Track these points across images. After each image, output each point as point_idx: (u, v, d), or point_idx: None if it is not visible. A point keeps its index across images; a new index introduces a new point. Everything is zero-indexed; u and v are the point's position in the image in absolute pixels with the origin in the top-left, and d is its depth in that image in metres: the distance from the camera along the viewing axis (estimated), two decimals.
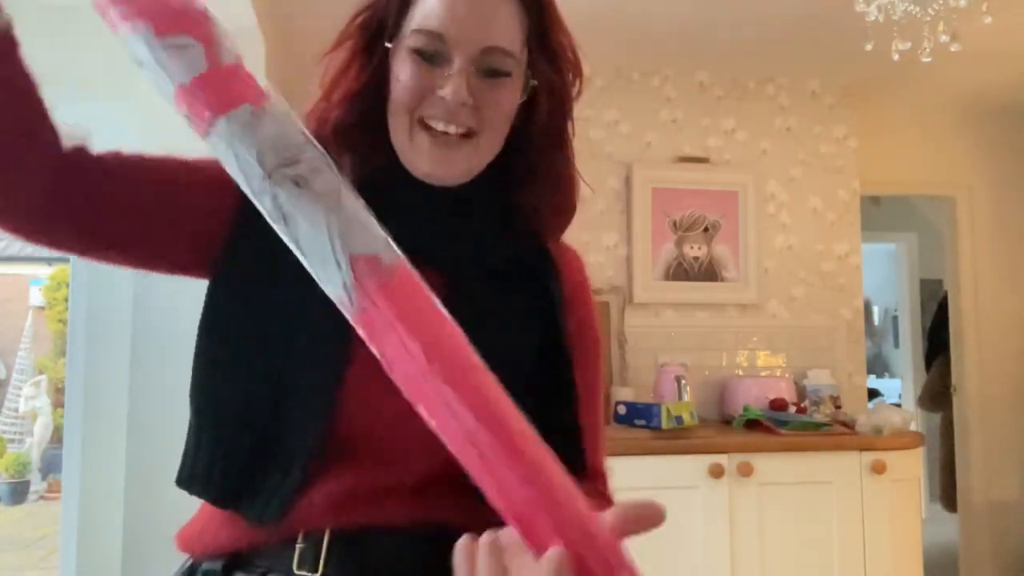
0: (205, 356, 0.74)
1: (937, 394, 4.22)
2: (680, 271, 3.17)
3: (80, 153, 0.73)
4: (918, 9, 2.04)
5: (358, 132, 0.79)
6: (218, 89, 0.56)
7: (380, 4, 0.78)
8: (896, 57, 2.15)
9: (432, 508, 0.72)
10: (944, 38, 2.04)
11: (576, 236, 3.22)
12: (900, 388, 5.83)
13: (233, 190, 0.59)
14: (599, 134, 3.20)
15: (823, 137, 3.36)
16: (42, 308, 7.84)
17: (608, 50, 3.08)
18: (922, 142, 3.70)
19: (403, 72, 0.75)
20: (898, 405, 4.97)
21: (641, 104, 3.23)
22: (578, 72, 0.85)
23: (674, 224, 3.18)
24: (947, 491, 4.05)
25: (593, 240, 3.14)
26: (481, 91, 0.74)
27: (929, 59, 2.11)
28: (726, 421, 2.96)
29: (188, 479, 0.73)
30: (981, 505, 3.65)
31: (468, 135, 0.75)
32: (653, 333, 3.14)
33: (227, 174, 0.57)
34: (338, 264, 0.53)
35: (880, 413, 2.71)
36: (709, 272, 3.19)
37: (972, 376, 3.70)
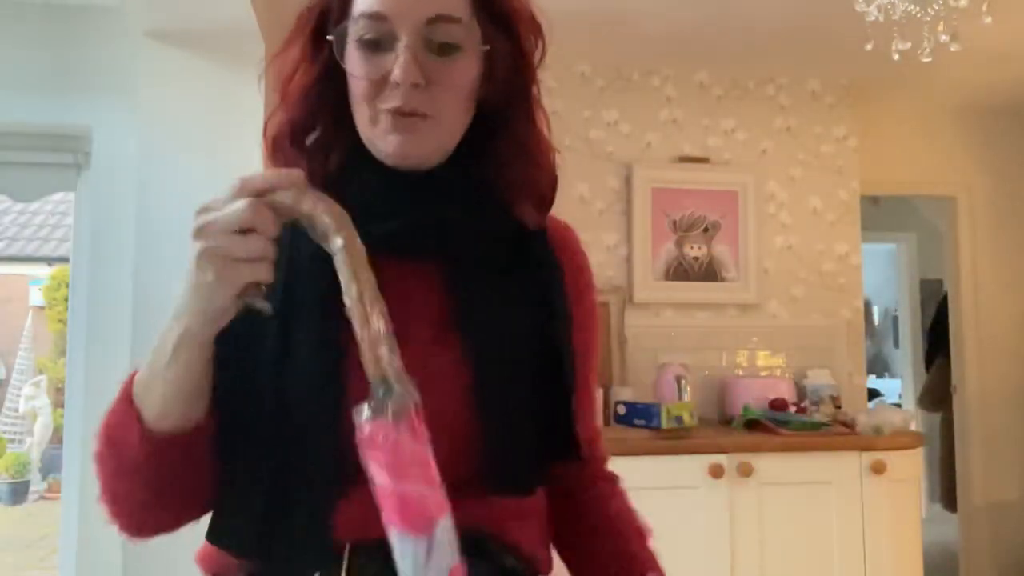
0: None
1: (937, 394, 4.22)
2: (680, 271, 3.17)
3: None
4: (918, 9, 2.04)
5: (320, 127, 0.78)
6: None
7: None
8: (896, 57, 2.15)
9: (461, 518, 0.69)
10: (944, 38, 2.04)
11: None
12: (900, 388, 5.83)
13: None
14: (599, 134, 3.20)
15: (823, 137, 3.36)
16: (42, 308, 7.84)
17: (608, 50, 3.08)
18: (922, 142, 3.70)
19: (355, 66, 0.73)
20: (898, 405, 4.98)
21: (641, 104, 3.23)
22: (538, 34, 0.80)
23: (674, 224, 3.18)
24: (947, 491, 4.05)
25: (593, 240, 3.14)
26: (434, 70, 0.72)
27: (929, 59, 2.11)
28: (726, 421, 2.96)
29: (217, 536, 0.72)
30: (981, 505, 3.65)
31: (428, 116, 0.73)
32: (653, 333, 3.14)
33: None
34: None
35: (880, 413, 2.71)
36: (709, 272, 3.19)
37: (972, 376, 3.70)
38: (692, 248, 3.19)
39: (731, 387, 3.02)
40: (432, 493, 0.56)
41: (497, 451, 0.72)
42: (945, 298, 4.02)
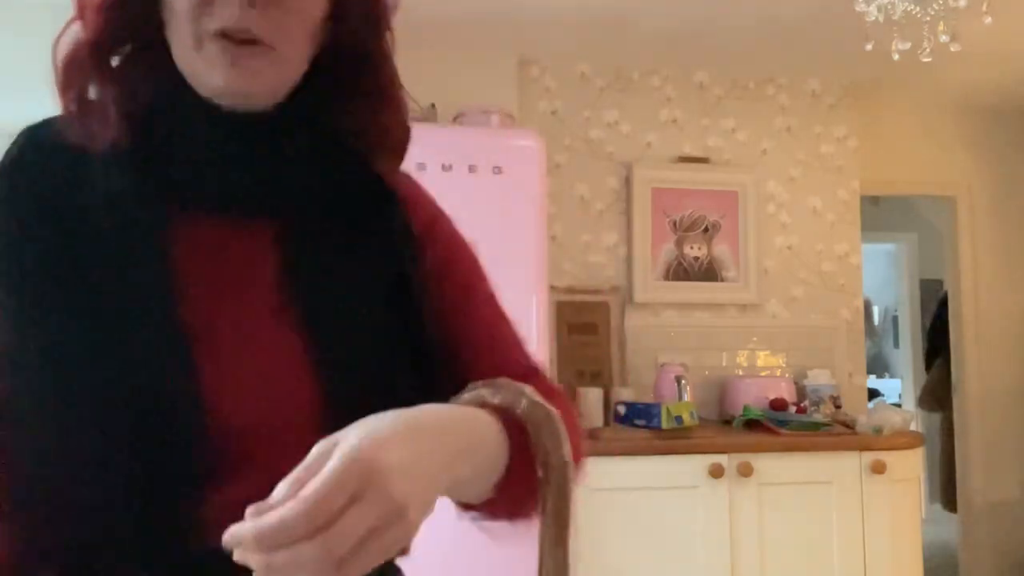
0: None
1: (937, 394, 4.22)
2: (680, 271, 3.17)
3: None
4: (918, 9, 2.04)
5: (129, 47, 0.64)
6: None
7: None
8: (896, 57, 2.15)
9: None
10: (944, 38, 2.03)
11: (576, 236, 3.24)
12: (900, 388, 5.83)
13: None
14: (599, 134, 3.20)
15: (823, 137, 3.36)
16: None
17: (608, 50, 3.08)
18: (922, 142, 3.69)
19: None
20: (898, 405, 4.97)
21: (641, 104, 3.23)
22: None
23: (674, 224, 3.18)
24: (947, 491, 4.05)
25: (593, 240, 3.14)
26: None
27: (929, 59, 2.11)
28: (726, 421, 2.96)
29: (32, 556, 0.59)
30: (981, 505, 3.65)
31: (265, 45, 0.61)
32: (653, 333, 3.14)
33: None
34: None
35: (880, 413, 2.71)
36: (709, 272, 3.19)
37: (972, 376, 3.70)
38: (692, 248, 3.19)
39: (731, 387, 3.02)
40: None
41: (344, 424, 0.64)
42: (945, 298, 4.02)
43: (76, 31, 0.62)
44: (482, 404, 0.60)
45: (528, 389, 0.61)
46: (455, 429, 0.55)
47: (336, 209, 0.68)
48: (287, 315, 0.64)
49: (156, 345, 0.58)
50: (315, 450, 0.46)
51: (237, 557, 0.43)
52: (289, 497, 0.43)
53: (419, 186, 0.78)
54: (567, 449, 0.59)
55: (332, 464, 0.44)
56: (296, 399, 0.61)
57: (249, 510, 0.43)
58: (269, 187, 0.65)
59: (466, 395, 0.62)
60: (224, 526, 0.53)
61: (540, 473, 0.59)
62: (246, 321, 0.60)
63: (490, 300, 0.78)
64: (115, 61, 0.63)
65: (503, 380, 0.63)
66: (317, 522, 0.42)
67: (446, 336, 0.72)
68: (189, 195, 0.61)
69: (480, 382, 0.63)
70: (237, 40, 0.59)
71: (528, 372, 0.74)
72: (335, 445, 0.46)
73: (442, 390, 0.70)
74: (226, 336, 0.61)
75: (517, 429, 0.60)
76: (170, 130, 0.62)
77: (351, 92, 0.69)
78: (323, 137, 0.68)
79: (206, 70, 0.61)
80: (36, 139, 0.65)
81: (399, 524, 0.45)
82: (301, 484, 0.44)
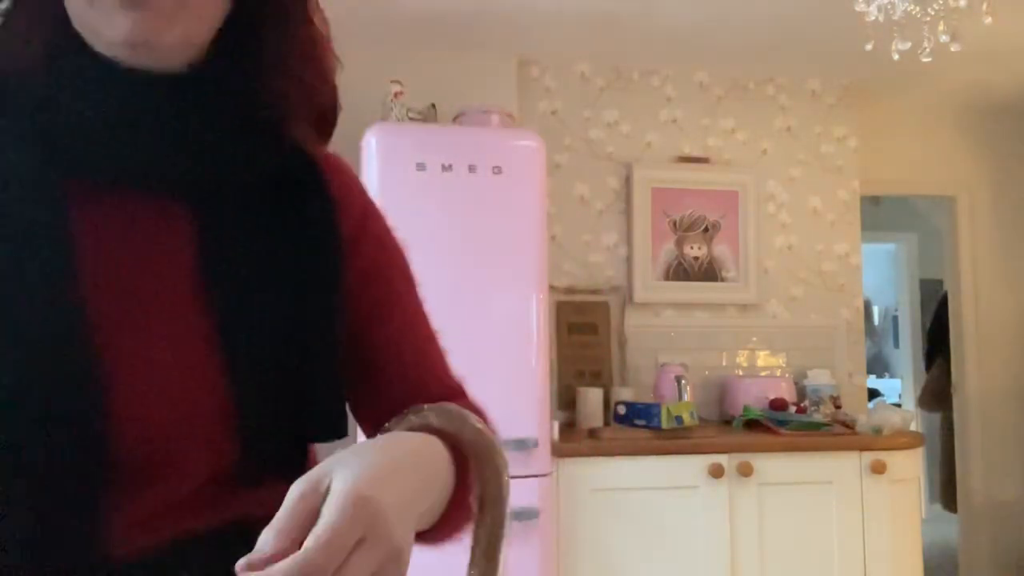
0: None
1: (937, 394, 4.22)
2: (680, 271, 3.17)
3: None
4: (918, 9, 2.04)
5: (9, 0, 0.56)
6: None
7: None
8: (896, 57, 2.15)
9: (233, 506, 0.59)
10: (944, 38, 2.03)
11: (576, 236, 3.24)
12: (900, 388, 5.83)
13: None
14: (599, 134, 3.20)
15: (823, 137, 3.36)
16: None
17: (608, 50, 3.08)
18: (922, 142, 3.70)
19: None
20: (898, 405, 4.97)
21: (641, 104, 3.23)
22: None
23: (674, 224, 3.18)
24: (947, 491, 4.05)
25: (593, 240, 3.14)
26: None
27: (929, 59, 2.11)
28: (726, 421, 2.96)
29: None
30: (981, 505, 3.65)
31: None
32: (653, 333, 3.14)
33: None
34: None
35: (880, 413, 2.71)
36: (709, 272, 3.19)
37: (972, 376, 3.70)
38: (692, 248, 3.19)
39: (731, 387, 3.02)
40: None
41: (254, 437, 0.58)
42: (945, 298, 4.02)
43: None
44: (428, 429, 0.58)
45: (472, 417, 0.60)
46: (422, 464, 0.53)
47: (256, 188, 0.61)
48: (200, 305, 0.57)
49: (51, 333, 0.51)
50: (295, 493, 0.43)
51: None
52: (278, 546, 0.40)
53: (351, 175, 0.71)
54: (505, 480, 0.59)
55: (338, 506, 0.42)
56: (206, 401, 0.56)
57: (240, 564, 0.40)
58: (179, 158, 0.56)
59: (413, 417, 0.60)
60: (129, 538, 0.52)
61: (475, 509, 0.58)
62: (155, 309, 0.54)
63: (416, 311, 0.72)
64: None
65: (449, 406, 0.61)
66: (333, 567, 0.40)
67: (366, 345, 0.67)
68: (85, 165, 0.54)
69: (426, 405, 0.61)
70: None
71: (452, 391, 0.71)
72: (319, 485, 0.43)
73: (361, 400, 0.68)
74: (131, 324, 0.55)
75: (462, 459, 0.59)
76: (64, 90, 0.54)
77: (271, 47, 0.60)
78: (240, 103, 0.59)
79: (102, 21, 0.52)
80: None
81: (395, 566, 0.44)
82: (288, 533, 0.41)
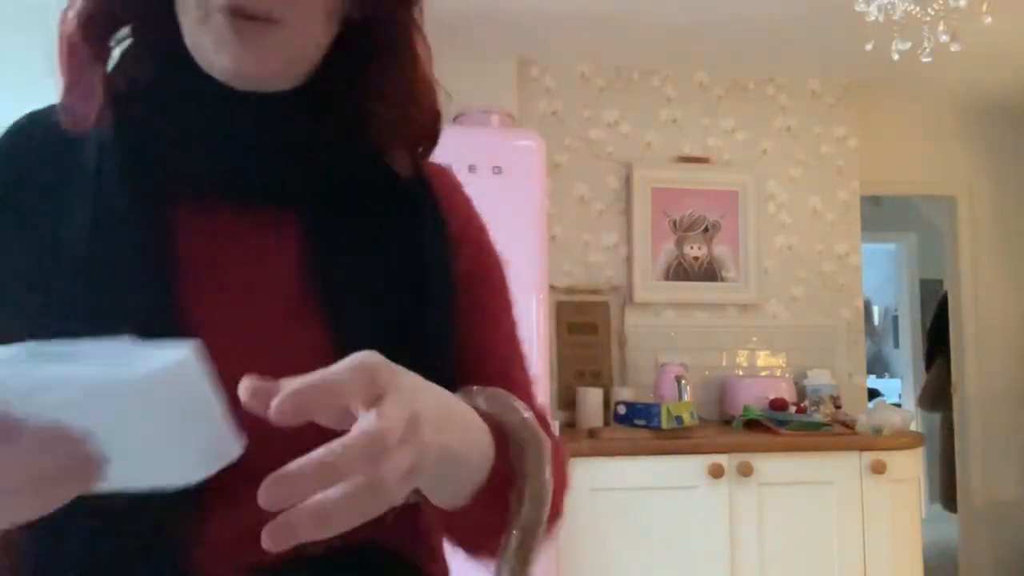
0: None
1: (937, 394, 4.22)
2: (680, 271, 3.17)
3: None
4: (918, 9, 2.04)
5: (129, 23, 0.59)
6: None
7: None
8: (896, 57, 2.15)
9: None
10: (944, 38, 2.03)
11: (576, 236, 3.23)
12: (900, 388, 5.84)
13: None
14: (599, 134, 3.20)
15: (823, 137, 3.36)
16: None
17: (608, 50, 3.08)
18: (922, 142, 3.69)
19: None
20: (898, 405, 4.97)
21: (641, 104, 3.23)
22: None
23: (674, 224, 3.18)
24: (947, 491, 4.05)
25: (593, 240, 3.14)
26: None
27: (929, 59, 2.11)
28: (726, 421, 2.96)
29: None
30: (981, 505, 3.65)
31: (275, 21, 0.55)
32: (653, 333, 3.14)
33: None
34: None
35: (880, 413, 2.71)
36: (709, 272, 3.19)
37: (972, 376, 3.70)
38: (692, 248, 3.19)
39: (731, 387, 3.02)
40: None
41: None
42: (945, 298, 4.02)
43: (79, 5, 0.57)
44: (475, 409, 0.56)
45: (521, 406, 0.57)
46: (468, 425, 0.52)
47: (361, 199, 0.63)
48: (309, 315, 0.58)
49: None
50: (355, 361, 0.41)
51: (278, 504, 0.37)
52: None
53: (455, 180, 0.72)
54: (547, 479, 0.54)
55: (393, 400, 0.40)
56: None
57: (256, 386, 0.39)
58: (284, 173, 0.60)
59: (459, 394, 0.58)
60: (221, 556, 0.52)
61: (512, 500, 0.54)
62: (261, 319, 0.55)
63: (512, 325, 0.71)
64: (114, 39, 0.60)
65: (498, 390, 0.58)
66: (389, 443, 0.38)
67: (460, 348, 0.65)
68: (190, 181, 0.56)
69: (475, 387, 0.58)
70: (246, 15, 0.54)
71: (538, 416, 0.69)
72: (377, 381, 0.41)
73: None
74: (236, 335, 0.55)
75: (504, 444, 0.55)
76: (175, 108, 0.58)
77: (371, 78, 0.63)
78: (346, 121, 0.62)
79: (211, 47, 0.55)
80: (31, 122, 0.61)
81: (419, 474, 0.42)
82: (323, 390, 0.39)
